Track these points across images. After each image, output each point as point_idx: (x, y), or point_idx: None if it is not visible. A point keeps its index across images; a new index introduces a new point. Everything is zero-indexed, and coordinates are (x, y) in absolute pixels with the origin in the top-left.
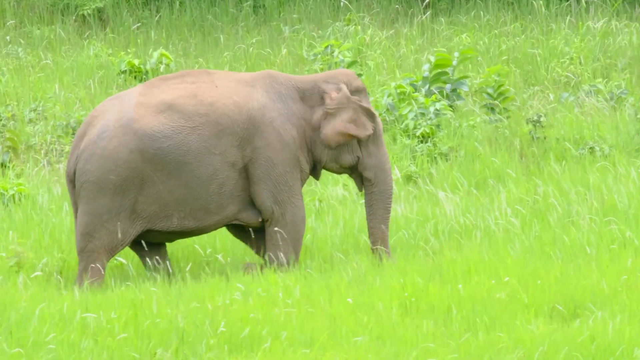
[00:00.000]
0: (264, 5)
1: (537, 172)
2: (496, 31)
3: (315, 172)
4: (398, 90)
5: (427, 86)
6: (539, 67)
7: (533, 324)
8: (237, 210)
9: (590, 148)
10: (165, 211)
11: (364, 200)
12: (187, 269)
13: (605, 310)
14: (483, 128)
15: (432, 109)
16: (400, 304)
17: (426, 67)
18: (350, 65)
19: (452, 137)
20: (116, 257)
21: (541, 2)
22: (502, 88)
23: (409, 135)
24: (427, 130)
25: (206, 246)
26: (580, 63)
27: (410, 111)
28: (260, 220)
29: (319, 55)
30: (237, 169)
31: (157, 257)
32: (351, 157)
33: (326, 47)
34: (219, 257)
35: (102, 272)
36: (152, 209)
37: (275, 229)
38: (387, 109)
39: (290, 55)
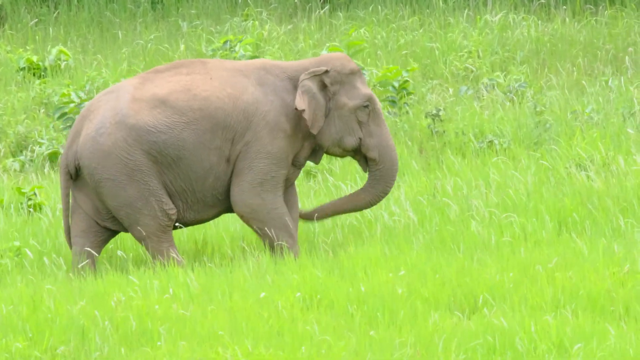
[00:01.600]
0: (161, 1)
1: (437, 166)
2: (394, 25)
3: (315, 156)
4: None
5: None
6: (438, 61)
7: (433, 318)
8: None
9: (490, 142)
10: (172, 200)
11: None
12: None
13: (506, 303)
14: None
15: None
16: (300, 299)
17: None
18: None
19: None
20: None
21: None
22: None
23: None
24: None
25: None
26: (478, 56)
27: None
28: None
29: (219, 51)
30: (232, 163)
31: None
32: (353, 139)
33: (225, 43)
34: (119, 252)
35: (171, 250)
36: (166, 193)
37: (260, 222)
38: None
39: (189, 51)
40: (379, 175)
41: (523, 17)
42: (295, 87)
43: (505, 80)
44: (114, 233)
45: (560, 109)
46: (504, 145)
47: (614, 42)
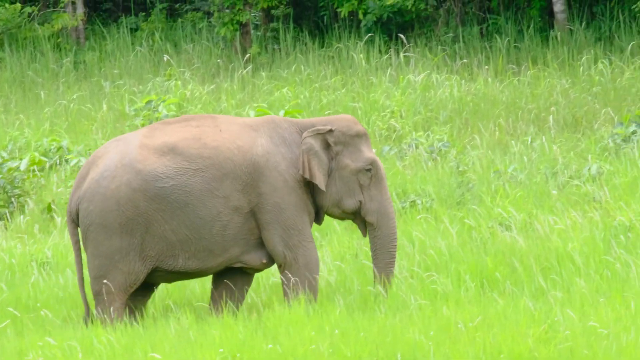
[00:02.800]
0: (84, 61)
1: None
2: (317, 85)
3: (317, 217)
4: None
5: None
6: (361, 120)
7: None
8: (241, 252)
9: (412, 201)
10: (171, 250)
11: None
12: (3, 325)
13: None
14: None
15: None
16: (223, 359)
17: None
18: None
19: None
20: None
21: (361, 55)
22: None
23: None
24: None
25: (28, 301)
26: (401, 116)
27: None
28: (264, 262)
29: (142, 111)
30: (242, 213)
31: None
32: (353, 202)
33: (147, 102)
34: (42, 312)
35: (120, 313)
36: (159, 247)
37: (289, 274)
38: None
39: (111, 111)
40: (379, 244)
41: (446, 77)
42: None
43: (428, 140)
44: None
45: (483, 168)
46: (426, 205)
47: (537, 102)
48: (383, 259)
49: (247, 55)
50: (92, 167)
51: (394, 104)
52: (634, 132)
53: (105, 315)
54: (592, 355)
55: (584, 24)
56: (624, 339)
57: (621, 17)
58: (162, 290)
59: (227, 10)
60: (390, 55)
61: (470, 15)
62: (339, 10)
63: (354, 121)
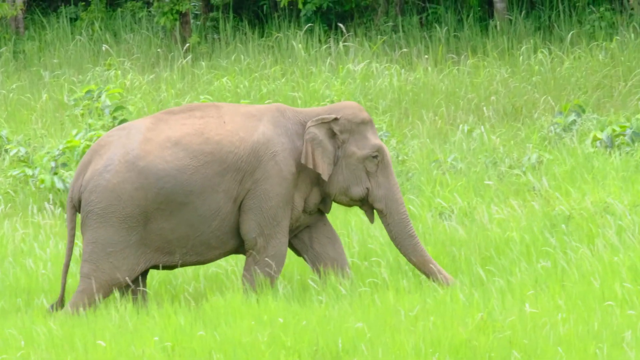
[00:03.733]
0: (23, 51)
1: None
2: (257, 74)
3: (324, 204)
4: None
5: None
6: None
7: None
8: (238, 244)
9: None
10: (168, 247)
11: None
12: None
13: (367, 352)
14: None
15: None
16: (163, 349)
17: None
18: (117, 109)
19: None
20: None
21: (300, 45)
22: None
23: None
24: None
25: None
26: None
27: None
28: None
29: (82, 101)
30: (238, 203)
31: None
32: (361, 189)
33: (87, 92)
34: None
35: (97, 300)
36: (155, 245)
37: (254, 261)
38: None
39: (51, 100)
40: (396, 232)
41: (385, 67)
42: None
43: None
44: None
45: (423, 157)
46: None
47: (476, 91)
48: (407, 243)
49: (187, 45)
50: (94, 156)
51: (334, 93)
52: (573, 122)
53: (79, 295)
54: (531, 344)
55: (523, 13)
56: (563, 328)
57: (560, 7)
58: None
59: (167, 0)
60: (329, 44)
61: (410, 5)
62: (278, 0)
63: (359, 108)
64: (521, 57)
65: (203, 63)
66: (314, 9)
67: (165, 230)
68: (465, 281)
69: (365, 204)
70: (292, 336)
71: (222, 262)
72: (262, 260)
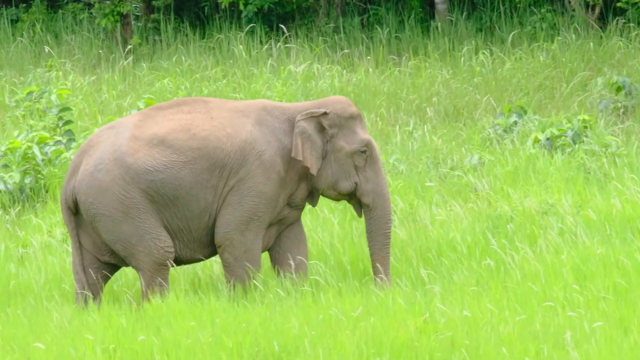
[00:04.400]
0: None
1: None
2: (198, 76)
3: (312, 199)
4: None
5: None
6: None
7: None
8: None
9: None
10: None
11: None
12: None
13: (310, 353)
14: None
15: None
16: (104, 350)
17: (134, 112)
18: (62, 110)
19: None
20: None
21: (242, 47)
22: None
23: None
24: None
25: None
26: None
27: None
28: None
29: (23, 102)
30: (222, 199)
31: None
32: (349, 184)
33: (28, 94)
34: None
35: (165, 286)
36: (163, 231)
37: (231, 257)
38: None
39: None
40: (374, 226)
41: (327, 68)
42: (293, 129)
43: None
44: (115, 267)
45: None
46: None
47: (418, 92)
48: (378, 240)
49: (128, 47)
50: (84, 156)
51: (275, 94)
52: (514, 123)
53: (150, 290)
54: (472, 345)
55: (464, 14)
56: (504, 329)
57: (502, 8)
58: (31, 285)
59: (108, 2)
60: (271, 46)
61: (351, 6)
62: (219, 1)
63: (348, 103)
64: (462, 58)
65: (144, 64)
66: (255, 10)
67: (163, 221)
68: (407, 282)
69: (353, 198)
70: (234, 337)
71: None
72: (237, 257)
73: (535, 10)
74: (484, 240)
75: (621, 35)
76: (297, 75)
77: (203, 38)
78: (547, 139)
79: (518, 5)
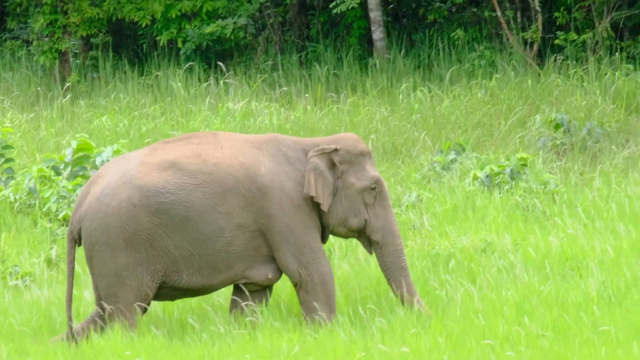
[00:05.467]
0: None
1: None
2: (136, 113)
3: (322, 236)
4: (40, 174)
5: (69, 169)
6: None
7: None
8: (245, 268)
9: None
10: (175, 266)
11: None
12: None
13: None
14: None
15: (75, 193)
16: None
17: (69, 150)
18: (4, 148)
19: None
20: None
21: (180, 84)
22: None
23: (50, 219)
24: (69, 213)
25: None
26: None
27: (52, 194)
28: (269, 277)
29: None
30: (247, 231)
31: None
32: (358, 221)
33: None
34: None
35: (133, 330)
36: (163, 262)
37: (306, 293)
38: (29, 193)
39: None
40: (389, 262)
41: (265, 105)
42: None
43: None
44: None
45: None
46: None
47: (356, 129)
48: (398, 274)
49: (67, 84)
50: (92, 186)
51: None
52: (453, 160)
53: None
54: None
55: (403, 51)
56: None
57: (440, 45)
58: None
59: (47, 39)
60: (209, 83)
61: (290, 44)
62: (158, 38)
63: (358, 140)
64: (401, 96)
65: (82, 102)
66: (194, 47)
67: (170, 247)
68: (346, 320)
69: (362, 235)
70: None
71: None
72: (314, 290)
73: (475, 46)
74: (422, 278)
75: (559, 73)
76: (236, 113)
77: (141, 75)
78: (487, 176)
79: (456, 43)
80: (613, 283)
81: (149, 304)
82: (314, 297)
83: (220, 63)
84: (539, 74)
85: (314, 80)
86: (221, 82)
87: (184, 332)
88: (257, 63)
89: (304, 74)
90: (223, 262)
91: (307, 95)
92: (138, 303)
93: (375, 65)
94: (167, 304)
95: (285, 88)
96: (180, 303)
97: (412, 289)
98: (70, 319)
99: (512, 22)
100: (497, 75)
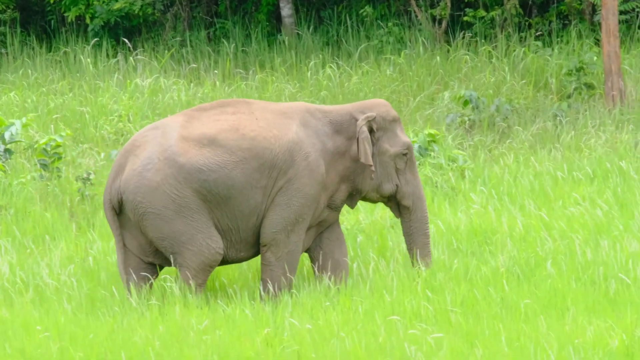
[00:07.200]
0: None
1: (88, 229)
2: (44, 89)
3: (351, 201)
4: None
5: None
6: (88, 125)
7: None
8: None
9: None
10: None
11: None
12: None
13: None
14: (34, 186)
15: None
16: None
17: None
18: None
19: (1, 195)
20: None
21: (89, 60)
22: (59, 148)
23: None
24: None
25: None
26: (129, 120)
27: None
28: None
29: None
30: (271, 199)
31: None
32: (391, 186)
33: None
34: None
35: (201, 289)
36: (214, 230)
37: (273, 255)
38: None
39: None
40: (414, 228)
41: (173, 81)
42: (335, 131)
43: None
44: (158, 268)
45: None
46: None
47: None
48: (420, 241)
49: None
50: (130, 156)
51: (122, 108)
52: None
53: (188, 290)
54: (319, 357)
55: (311, 28)
56: (349, 342)
57: (349, 22)
58: None
59: None
60: (118, 59)
61: (198, 20)
62: (66, 14)
63: (389, 106)
64: (309, 72)
65: None
66: (102, 23)
67: (214, 220)
68: (255, 296)
69: (392, 200)
70: (81, 349)
71: (10, 273)
72: (280, 257)
73: (382, 24)
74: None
75: (468, 50)
76: (144, 89)
77: (50, 51)
78: None
79: (365, 19)
80: (522, 259)
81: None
82: (283, 263)
83: (125, 39)
84: (448, 51)
85: (223, 56)
86: (130, 58)
87: (94, 307)
88: (166, 39)
89: (212, 50)
90: (254, 237)
91: (215, 71)
92: (206, 265)
93: (284, 41)
94: (78, 276)
95: (193, 64)
96: (87, 277)
97: (429, 259)
98: (127, 282)
99: None
100: (406, 52)
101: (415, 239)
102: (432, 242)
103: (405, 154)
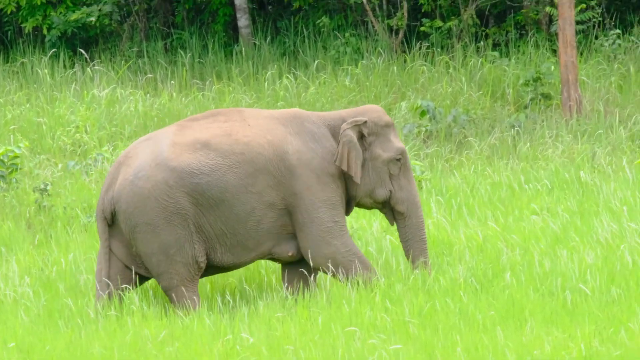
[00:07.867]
0: None
1: (45, 240)
2: (1, 100)
3: (348, 207)
4: None
5: None
6: (45, 135)
7: None
8: (273, 245)
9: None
10: (210, 243)
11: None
12: None
13: None
14: None
15: None
16: None
17: None
18: None
19: None
20: None
21: (46, 71)
22: (17, 159)
23: None
24: None
25: None
26: (86, 131)
27: None
28: (290, 254)
29: None
30: (276, 209)
31: None
32: (384, 192)
33: None
34: None
35: (195, 303)
36: (202, 239)
37: (338, 269)
38: None
39: None
40: (410, 234)
41: (130, 92)
42: (333, 134)
43: (113, 155)
44: (144, 279)
45: None
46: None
47: None
48: (417, 247)
49: None
50: (122, 167)
51: (79, 119)
52: None
53: (183, 308)
54: None
55: (268, 39)
56: (308, 354)
57: (305, 33)
58: None
59: None
60: (75, 70)
61: (155, 31)
62: (23, 25)
63: (382, 111)
64: (266, 83)
65: None
66: (59, 34)
67: (205, 226)
68: (213, 306)
69: (386, 206)
70: None
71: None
72: (345, 260)
73: (339, 34)
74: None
75: (425, 60)
76: (101, 100)
77: (6, 62)
78: None
79: (322, 30)
80: (480, 270)
81: (201, 273)
82: (349, 267)
83: (82, 50)
84: (405, 61)
85: (179, 67)
86: (88, 69)
87: (52, 318)
88: (123, 50)
89: (169, 61)
90: (253, 241)
91: (172, 82)
92: (193, 275)
93: (240, 52)
94: (36, 288)
95: (150, 75)
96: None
97: (428, 262)
98: (98, 294)
99: (377, 9)
100: (363, 62)
101: (412, 245)
102: (389, 252)
103: (399, 160)
